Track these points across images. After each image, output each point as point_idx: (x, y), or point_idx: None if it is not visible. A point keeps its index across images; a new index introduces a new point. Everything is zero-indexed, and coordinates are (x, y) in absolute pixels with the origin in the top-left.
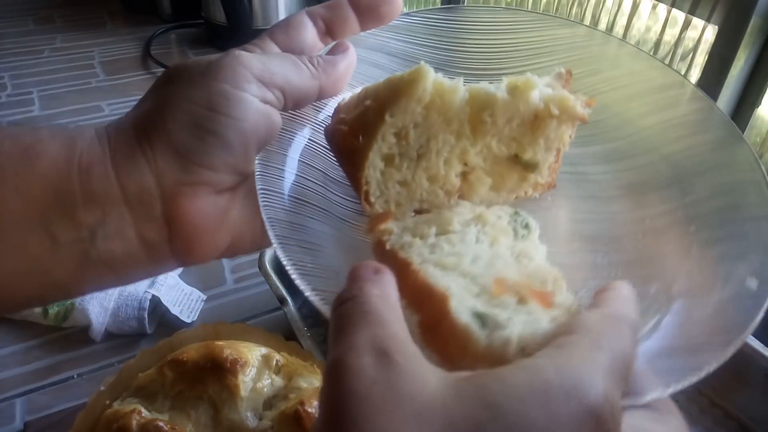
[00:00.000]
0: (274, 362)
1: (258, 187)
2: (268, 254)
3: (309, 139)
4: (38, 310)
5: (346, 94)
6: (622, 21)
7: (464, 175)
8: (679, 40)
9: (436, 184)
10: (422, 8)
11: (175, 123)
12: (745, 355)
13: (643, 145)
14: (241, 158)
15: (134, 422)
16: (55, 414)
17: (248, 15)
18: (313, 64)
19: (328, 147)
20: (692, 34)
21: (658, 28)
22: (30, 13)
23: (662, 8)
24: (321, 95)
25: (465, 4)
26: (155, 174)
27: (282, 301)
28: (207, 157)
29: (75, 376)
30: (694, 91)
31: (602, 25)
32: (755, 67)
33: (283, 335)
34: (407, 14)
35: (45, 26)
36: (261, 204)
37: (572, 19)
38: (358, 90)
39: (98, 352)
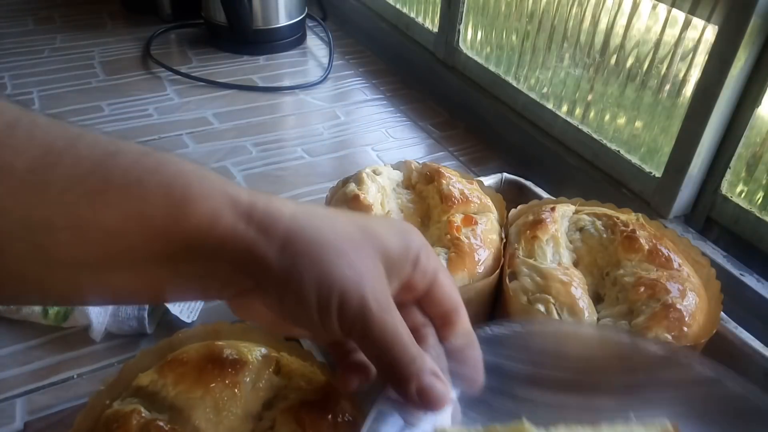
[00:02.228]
0: (274, 362)
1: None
2: None
3: None
4: (38, 309)
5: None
6: (622, 21)
7: None
8: (679, 40)
9: None
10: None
11: (309, 274)
12: (744, 355)
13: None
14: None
15: (134, 422)
16: (55, 414)
17: (248, 15)
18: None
19: None
20: (692, 34)
21: (658, 28)
22: (30, 13)
23: (662, 8)
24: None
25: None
26: (264, 270)
27: None
28: (289, 305)
29: (75, 376)
30: None
31: (602, 25)
32: (755, 67)
33: (283, 335)
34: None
35: (45, 26)
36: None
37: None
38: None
39: (98, 352)
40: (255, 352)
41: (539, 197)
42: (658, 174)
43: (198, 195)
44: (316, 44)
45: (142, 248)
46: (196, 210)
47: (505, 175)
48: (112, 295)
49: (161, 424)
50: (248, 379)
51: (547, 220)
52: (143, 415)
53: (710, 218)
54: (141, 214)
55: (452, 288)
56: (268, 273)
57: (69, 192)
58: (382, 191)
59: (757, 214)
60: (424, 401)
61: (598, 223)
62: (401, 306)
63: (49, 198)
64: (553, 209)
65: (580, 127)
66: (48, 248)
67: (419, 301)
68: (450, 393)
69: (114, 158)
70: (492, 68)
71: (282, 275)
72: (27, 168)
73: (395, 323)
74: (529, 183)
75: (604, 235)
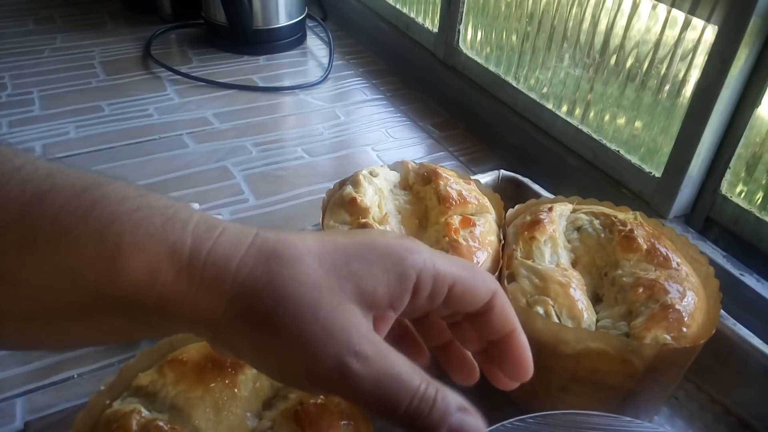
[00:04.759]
0: None
1: None
2: None
3: None
4: None
5: None
6: (621, 21)
7: None
8: (679, 40)
9: None
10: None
11: (262, 342)
12: (744, 352)
13: None
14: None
15: (134, 422)
16: (55, 414)
17: (248, 15)
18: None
19: None
20: (692, 34)
21: (657, 28)
22: (30, 13)
23: (662, 8)
24: None
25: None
26: (217, 329)
27: None
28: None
29: (75, 376)
30: None
31: (602, 25)
32: (755, 67)
33: None
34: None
35: (45, 26)
36: None
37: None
38: None
39: (98, 352)
40: None
41: (537, 194)
42: (657, 174)
43: (131, 247)
44: (316, 44)
45: (79, 304)
46: (129, 265)
47: (503, 172)
48: (76, 343)
49: (161, 423)
50: (248, 379)
51: (545, 220)
52: (143, 414)
53: (710, 218)
54: (71, 270)
55: (504, 311)
56: (221, 332)
57: None
58: (379, 193)
59: (757, 214)
60: None
61: (596, 222)
62: (422, 318)
63: None
64: (550, 209)
65: (579, 127)
66: None
67: (470, 321)
68: (483, 424)
69: (43, 202)
70: (492, 68)
71: (232, 339)
72: None
73: (392, 370)
74: (526, 180)
75: (602, 235)
